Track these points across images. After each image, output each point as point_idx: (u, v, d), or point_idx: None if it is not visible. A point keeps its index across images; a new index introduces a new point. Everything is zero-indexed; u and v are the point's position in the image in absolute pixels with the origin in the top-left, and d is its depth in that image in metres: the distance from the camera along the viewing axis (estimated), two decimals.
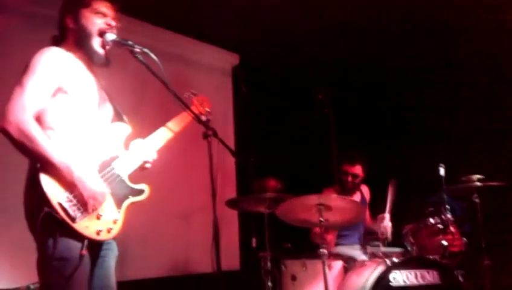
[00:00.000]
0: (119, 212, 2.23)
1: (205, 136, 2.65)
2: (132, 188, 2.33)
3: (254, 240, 4.47)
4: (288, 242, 4.31)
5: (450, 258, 3.62)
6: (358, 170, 4.33)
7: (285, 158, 5.59)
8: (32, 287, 3.37)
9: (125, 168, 2.33)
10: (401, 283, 3.28)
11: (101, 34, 2.30)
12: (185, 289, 4.71)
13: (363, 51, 5.37)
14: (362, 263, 3.64)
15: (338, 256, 3.88)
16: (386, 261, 3.37)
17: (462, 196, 4.00)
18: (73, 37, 2.30)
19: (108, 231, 2.16)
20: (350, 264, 3.75)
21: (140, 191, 2.36)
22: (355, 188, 4.41)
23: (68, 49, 2.27)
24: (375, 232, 3.99)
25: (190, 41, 5.33)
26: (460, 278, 3.42)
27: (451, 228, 3.65)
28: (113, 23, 2.34)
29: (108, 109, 2.43)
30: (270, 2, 4.60)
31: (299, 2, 4.62)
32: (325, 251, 3.38)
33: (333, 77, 5.55)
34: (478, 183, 3.82)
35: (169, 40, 5.02)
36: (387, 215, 3.95)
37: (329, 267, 3.61)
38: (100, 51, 2.30)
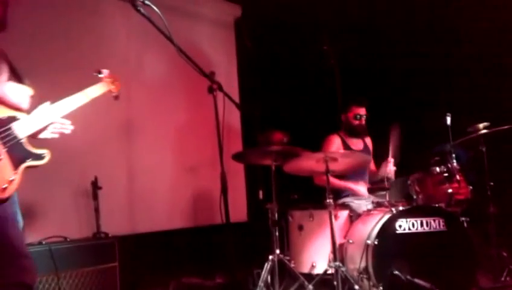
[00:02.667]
0: (15, 173, 2.18)
1: (210, 90, 2.64)
2: (31, 152, 2.27)
3: (261, 192, 4.52)
4: (294, 193, 4.36)
5: (456, 206, 3.66)
6: (364, 110, 4.37)
7: (289, 110, 5.57)
8: (44, 242, 3.45)
9: (24, 130, 2.25)
10: (407, 231, 3.34)
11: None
12: (194, 241, 4.81)
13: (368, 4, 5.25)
14: (368, 212, 3.69)
15: (344, 206, 3.94)
16: (391, 210, 3.41)
17: (468, 145, 4.00)
18: None
19: (2, 190, 2.13)
20: (356, 213, 3.81)
21: (40, 156, 2.29)
22: (364, 130, 4.41)
23: None
24: (381, 180, 4.03)
25: None
26: (465, 225, 3.46)
27: (457, 176, 3.67)
28: None
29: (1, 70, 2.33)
30: None
31: None
32: (332, 202, 3.44)
33: (338, 26, 5.43)
34: (484, 131, 3.85)
35: None
36: (391, 160, 4.04)
37: (336, 217, 3.68)
38: None
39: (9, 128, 2.19)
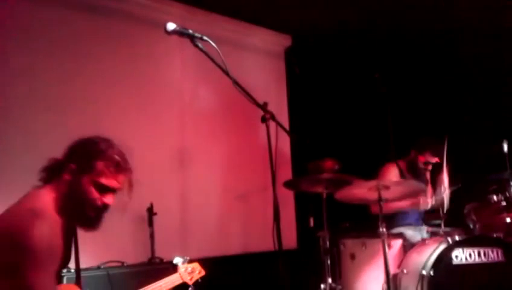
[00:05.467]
0: None
1: (263, 119, 2.69)
2: None
3: (312, 219, 4.52)
4: (345, 221, 4.33)
5: None
6: (436, 161, 4.16)
7: (340, 137, 5.57)
8: (102, 267, 3.58)
9: None
10: (464, 261, 3.25)
11: (96, 208, 2.09)
12: (245, 267, 4.83)
13: (415, 30, 5.23)
14: (423, 242, 3.61)
15: (398, 235, 3.87)
16: (447, 240, 3.33)
17: None
18: (64, 187, 2.07)
19: None
20: (410, 243, 3.74)
21: None
22: (424, 175, 4.28)
23: (55, 196, 2.06)
24: (434, 209, 3.95)
25: (242, 25, 5.37)
26: None
27: None
28: (110, 201, 2.12)
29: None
30: None
31: None
32: (385, 230, 3.39)
33: (389, 55, 5.44)
34: None
35: (221, 24, 5.08)
36: (448, 190, 3.88)
37: (389, 246, 3.61)
38: (92, 218, 2.13)
39: None
